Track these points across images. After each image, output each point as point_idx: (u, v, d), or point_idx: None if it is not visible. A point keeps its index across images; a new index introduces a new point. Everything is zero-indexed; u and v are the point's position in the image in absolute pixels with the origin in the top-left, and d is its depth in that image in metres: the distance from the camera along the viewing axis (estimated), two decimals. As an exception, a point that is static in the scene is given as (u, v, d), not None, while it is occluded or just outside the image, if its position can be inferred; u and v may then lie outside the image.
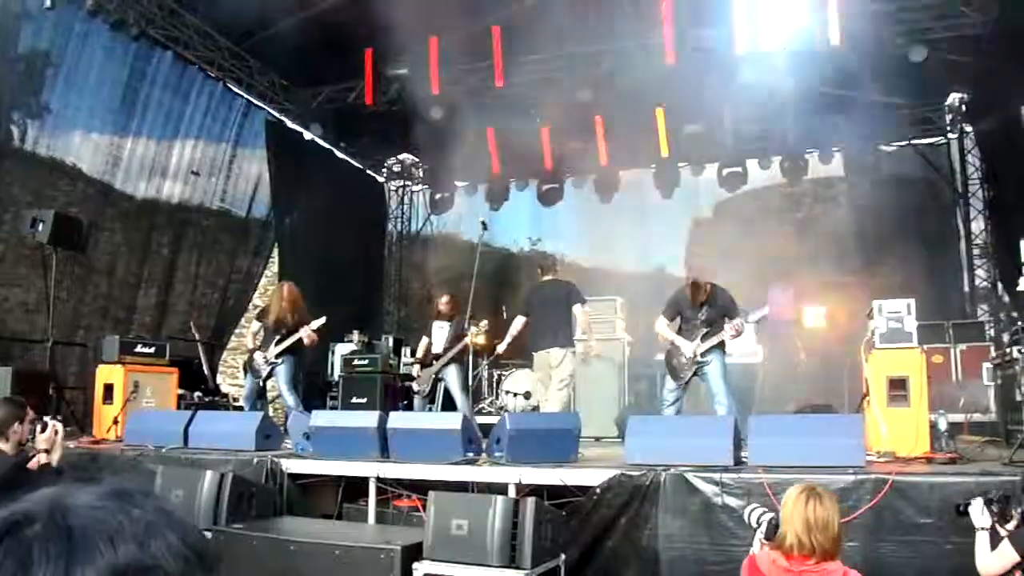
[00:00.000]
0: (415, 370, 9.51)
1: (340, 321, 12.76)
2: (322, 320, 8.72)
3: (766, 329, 10.57)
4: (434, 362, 9.25)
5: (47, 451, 4.23)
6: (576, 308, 8.69)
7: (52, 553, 0.78)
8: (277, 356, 8.79)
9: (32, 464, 4.28)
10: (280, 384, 8.81)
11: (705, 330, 7.52)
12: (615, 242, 14.51)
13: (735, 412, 6.97)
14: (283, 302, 8.88)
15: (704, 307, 7.59)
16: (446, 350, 9.14)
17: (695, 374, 7.54)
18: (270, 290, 11.63)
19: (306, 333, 8.64)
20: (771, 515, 3.83)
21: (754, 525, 3.94)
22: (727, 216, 14.19)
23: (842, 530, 3.53)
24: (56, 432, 4.30)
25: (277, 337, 8.84)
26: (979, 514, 3.96)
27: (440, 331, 9.41)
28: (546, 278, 8.99)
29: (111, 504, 0.84)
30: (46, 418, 4.34)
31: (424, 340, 9.60)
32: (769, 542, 3.67)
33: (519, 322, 9.00)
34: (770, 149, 13.67)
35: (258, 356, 8.92)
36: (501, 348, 9.39)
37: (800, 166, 13.47)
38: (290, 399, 8.75)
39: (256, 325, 9.28)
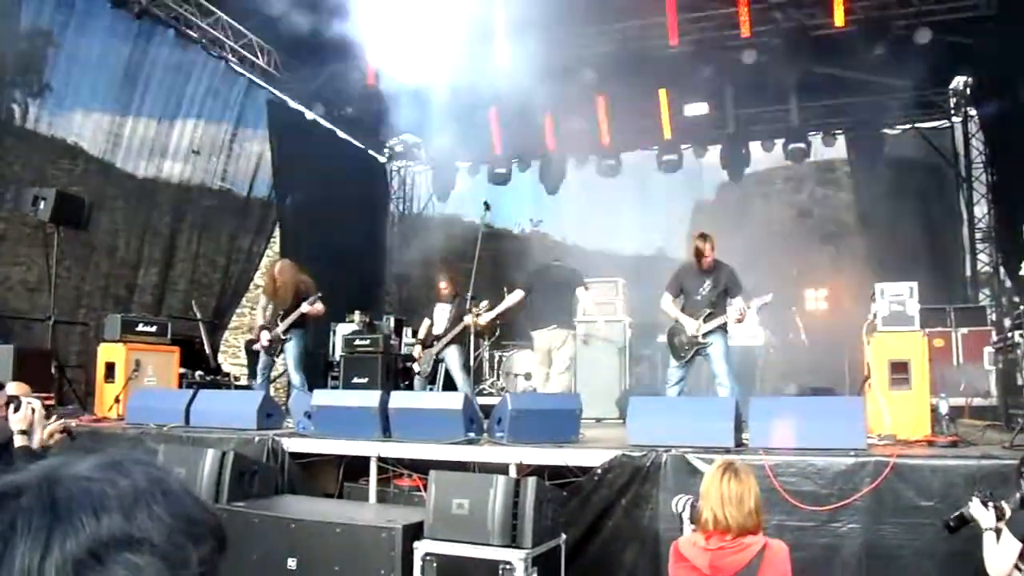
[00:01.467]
0: (416, 351, 9.51)
1: (341, 301, 12.85)
2: (317, 296, 8.78)
3: (767, 313, 10.52)
4: (435, 343, 9.26)
5: (24, 432, 3.93)
6: (579, 290, 8.79)
7: (34, 525, 0.77)
8: (285, 332, 8.84)
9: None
10: (288, 360, 8.86)
11: (708, 310, 7.48)
12: (617, 224, 14.51)
13: (737, 394, 6.96)
14: (276, 282, 8.91)
15: (707, 281, 7.55)
16: (446, 331, 9.16)
17: (697, 353, 7.51)
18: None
19: (306, 308, 8.69)
20: (693, 499, 3.83)
21: (679, 511, 3.94)
22: (729, 198, 14.17)
23: (759, 506, 3.49)
24: (33, 411, 3.95)
25: (282, 313, 8.90)
26: (983, 513, 3.82)
27: (442, 312, 9.43)
28: (555, 263, 9.10)
29: (101, 474, 0.82)
30: (22, 397, 4.01)
31: (426, 322, 9.64)
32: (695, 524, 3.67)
33: (517, 294, 8.98)
34: (773, 131, 13.62)
35: (264, 334, 8.93)
36: (488, 317, 9.24)
37: (803, 148, 13.38)
38: (296, 377, 8.77)
39: (264, 300, 9.30)
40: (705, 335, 7.45)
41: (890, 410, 6.14)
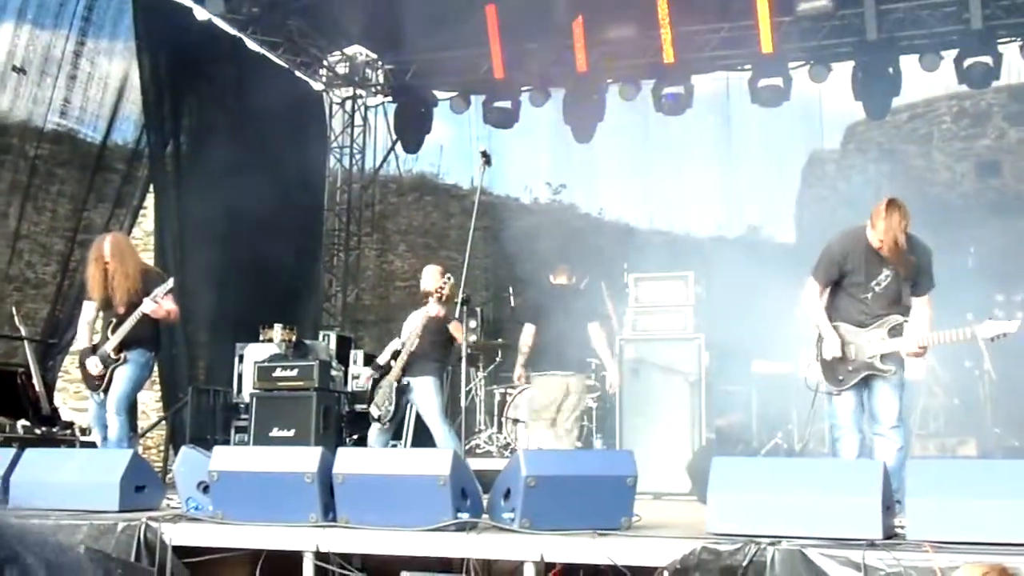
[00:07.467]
0: (361, 373, 10.02)
1: (252, 310, 13.26)
2: (169, 284, 8.72)
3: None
4: (392, 363, 9.41)
5: None
6: (591, 327, 9.72)
7: None
8: (117, 351, 8.74)
9: None
10: (112, 390, 8.77)
11: (894, 318, 7.28)
12: (684, 187, 14.82)
13: (908, 451, 7.13)
14: (108, 270, 8.84)
15: (885, 272, 7.32)
16: (413, 342, 9.29)
17: (863, 382, 7.39)
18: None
19: (148, 306, 8.64)
20: None
21: None
22: (864, 146, 14.27)
23: None
24: None
25: (113, 322, 8.80)
26: None
27: (414, 319, 9.60)
28: (560, 281, 10.11)
29: None
30: None
31: (394, 344, 9.84)
32: None
33: (529, 332, 9.83)
34: (938, 38, 13.41)
35: (91, 362, 8.84)
36: (517, 375, 10.18)
37: (986, 65, 13.15)
38: (115, 421, 8.70)
39: (89, 308, 9.14)
40: (884, 357, 7.27)
41: None
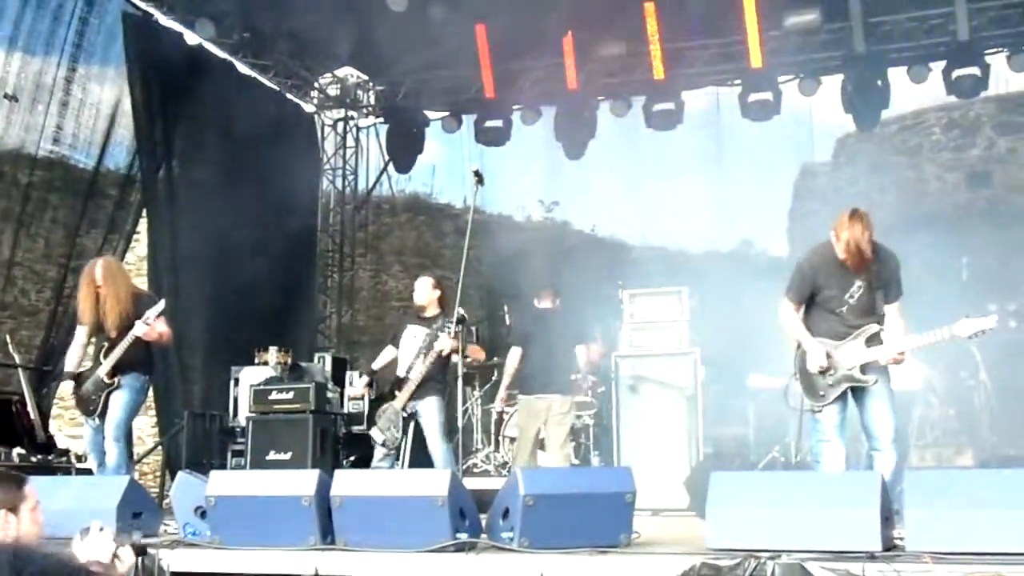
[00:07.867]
0: (355, 386, 10.41)
1: (247, 332, 13.16)
2: (160, 306, 8.67)
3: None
4: (397, 392, 9.35)
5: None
6: (578, 348, 10.07)
7: None
8: (111, 375, 8.71)
9: None
10: (110, 415, 8.72)
11: (870, 328, 7.22)
12: (676, 202, 14.83)
13: (902, 465, 7.06)
14: (100, 294, 8.80)
15: (857, 283, 7.26)
16: (422, 362, 9.31)
17: (847, 396, 7.31)
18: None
19: (140, 328, 8.60)
20: None
21: None
22: (855, 158, 14.16)
23: None
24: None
25: (106, 346, 8.77)
26: None
27: (415, 341, 9.56)
28: (544, 304, 10.26)
29: None
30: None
31: (388, 351, 9.89)
32: None
33: (515, 355, 10.06)
34: (927, 50, 13.43)
35: (65, 384, 9.03)
36: (501, 397, 10.63)
37: (975, 76, 13.11)
38: (114, 447, 8.66)
39: (81, 333, 9.12)
40: (863, 369, 7.19)
41: None
